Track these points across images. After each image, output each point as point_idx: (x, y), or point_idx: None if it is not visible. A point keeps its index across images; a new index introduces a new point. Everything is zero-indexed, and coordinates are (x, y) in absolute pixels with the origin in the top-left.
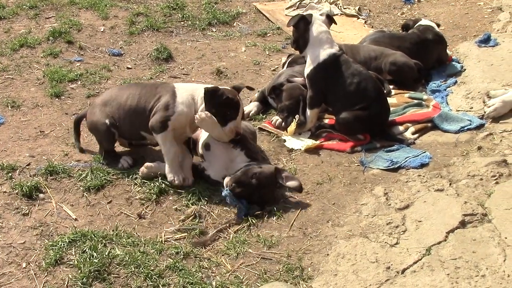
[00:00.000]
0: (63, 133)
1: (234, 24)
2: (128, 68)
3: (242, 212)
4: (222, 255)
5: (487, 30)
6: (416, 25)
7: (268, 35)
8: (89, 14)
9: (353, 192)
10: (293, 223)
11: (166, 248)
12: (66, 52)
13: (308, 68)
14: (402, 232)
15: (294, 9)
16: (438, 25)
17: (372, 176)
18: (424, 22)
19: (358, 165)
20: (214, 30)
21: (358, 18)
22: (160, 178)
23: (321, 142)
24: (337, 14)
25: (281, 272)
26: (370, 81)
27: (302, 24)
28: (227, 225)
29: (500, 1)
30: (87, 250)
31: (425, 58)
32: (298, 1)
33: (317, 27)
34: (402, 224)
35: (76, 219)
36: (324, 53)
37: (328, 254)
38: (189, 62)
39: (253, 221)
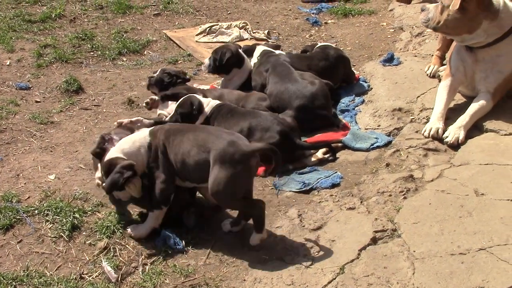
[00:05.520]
0: None
1: (145, 53)
2: (36, 101)
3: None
4: None
5: (390, 49)
6: (316, 47)
7: (179, 62)
8: None
9: (268, 215)
10: (209, 250)
11: (80, 285)
12: None
13: None
14: (316, 253)
15: (204, 35)
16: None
17: (286, 199)
18: (321, 44)
19: (272, 189)
20: (124, 59)
21: (268, 41)
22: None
23: None
24: (247, 39)
25: None
26: (269, 119)
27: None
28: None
29: (401, 22)
30: None
31: (333, 74)
32: (208, 27)
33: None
34: (316, 245)
35: None
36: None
37: (245, 280)
38: (100, 93)
39: (169, 251)
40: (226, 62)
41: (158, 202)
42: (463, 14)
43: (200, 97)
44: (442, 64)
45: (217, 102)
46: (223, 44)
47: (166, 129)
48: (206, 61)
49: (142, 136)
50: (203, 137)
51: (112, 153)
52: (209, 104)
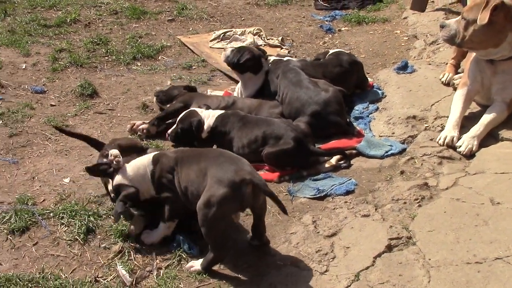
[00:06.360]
0: None
1: (159, 58)
2: (51, 105)
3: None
4: None
5: (404, 57)
6: (328, 54)
7: (193, 67)
8: (9, 51)
9: (282, 221)
10: None
11: None
12: None
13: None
14: (331, 259)
15: (218, 41)
16: None
17: (300, 205)
18: (333, 50)
19: (286, 194)
20: (139, 64)
21: (281, 48)
22: (88, 216)
23: None
24: (261, 45)
25: None
26: (282, 126)
27: None
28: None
29: (415, 30)
30: None
31: (347, 80)
32: (222, 33)
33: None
34: (331, 251)
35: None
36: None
37: (259, 285)
38: (114, 97)
39: (183, 255)
40: (243, 63)
41: (170, 216)
42: (490, 28)
43: (201, 111)
44: (456, 72)
45: (219, 112)
46: (250, 45)
47: (173, 157)
48: (228, 51)
49: (145, 163)
50: (204, 165)
51: (118, 178)
52: (209, 117)
